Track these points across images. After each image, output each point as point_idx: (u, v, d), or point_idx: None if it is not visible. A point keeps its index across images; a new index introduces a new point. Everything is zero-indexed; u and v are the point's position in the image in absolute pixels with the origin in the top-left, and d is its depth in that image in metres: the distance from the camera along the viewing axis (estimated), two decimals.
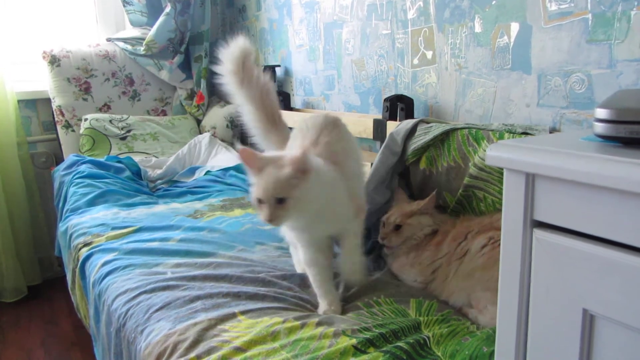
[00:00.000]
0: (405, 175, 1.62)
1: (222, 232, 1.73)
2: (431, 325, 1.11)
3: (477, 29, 1.52)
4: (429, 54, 1.70)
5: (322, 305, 1.19)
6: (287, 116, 2.32)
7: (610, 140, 0.64)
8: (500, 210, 1.05)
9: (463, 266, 1.20)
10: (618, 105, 0.64)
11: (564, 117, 1.33)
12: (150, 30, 2.70)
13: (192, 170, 2.45)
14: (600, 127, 0.64)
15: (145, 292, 1.27)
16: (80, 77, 2.64)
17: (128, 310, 1.22)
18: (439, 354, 1.01)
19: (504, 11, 1.44)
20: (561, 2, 1.29)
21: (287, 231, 1.30)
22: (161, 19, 2.67)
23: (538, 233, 0.68)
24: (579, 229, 0.63)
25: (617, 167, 0.56)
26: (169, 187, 2.32)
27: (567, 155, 0.62)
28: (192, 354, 1.00)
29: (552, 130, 1.34)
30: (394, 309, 1.19)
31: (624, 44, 1.18)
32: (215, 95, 3.02)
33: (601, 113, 0.63)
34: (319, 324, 1.09)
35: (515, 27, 1.41)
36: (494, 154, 0.69)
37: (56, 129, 2.63)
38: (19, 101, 2.59)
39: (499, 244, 1.11)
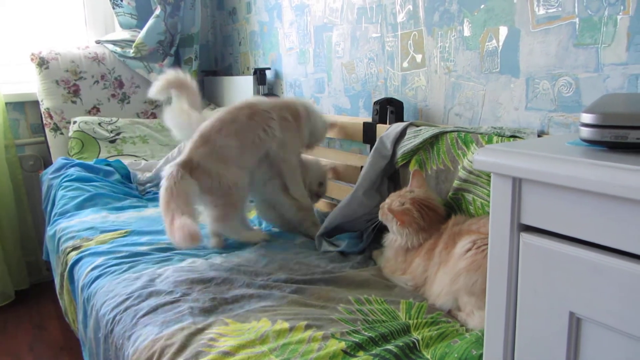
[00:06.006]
0: (394, 178, 1.63)
1: None
2: (421, 327, 1.12)
3: (466, 32, 1.53)
4: (419, 58, 1.71)
5: None
6: None
7: (596, 144, 0.65)
8: (489, 213, 1.05)
9: (448, 269, 1.20)
10: (603, 110, 0.64)
11: (552, 120, 1.34)
12: (139, 32, 2.69)
13: None
14: (586, 132, 0.64)
15: (133, 297, 1.26)
16: (69, 79, 2.62)
17: (115, 316, 1.21)
18: (429, 356, 1.01)
19: (493, 15, 1.44)
20: (549, 6, 1.30)
21: None
22: (151, 21, 2.65)
23: (525, 237, 0.68)
24: (566, 233, 0.64)
25: (602, 172, 0.57)
26: (159, 190, 2.31)
27: (553, 160, 0.62)
28: (180, 359, 1.00)
29: (540, 133, 1.35)
30: (384, 310, 1.19)
31: (610, 48, 1.19)
32: (205, 97, 3.02)
33: (587, 118, 0.64)
34: (307, 327, 1.09)
35: (503, 31, 1.42)
36: (481, 158, 0.70)
37: (44, 132, 2.61)
38: (6, 103, 2.57)
39: (483, 248, 1.13)
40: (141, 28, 2.70)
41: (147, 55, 2.72)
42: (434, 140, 1.49)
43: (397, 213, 1.35)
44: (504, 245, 0.70)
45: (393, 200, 1.40)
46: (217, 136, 1.59)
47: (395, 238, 1.39)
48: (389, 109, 1.73)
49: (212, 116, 1.67)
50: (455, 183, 1.41)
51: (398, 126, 1.60)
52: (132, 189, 2.27)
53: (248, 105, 1.68)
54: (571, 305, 0.64)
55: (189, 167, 1.54)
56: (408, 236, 1.35)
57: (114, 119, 2.63)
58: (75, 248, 1.66)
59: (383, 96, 1.85)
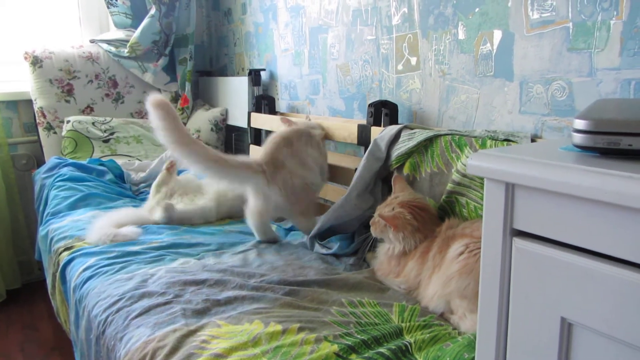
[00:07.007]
0: (388, 181, 1.63)
1: (204, 237, 1.72)
2: (413, 330, 1.12)
3: (461, 36, 1.53)
4: (413, 60, 1.71)
5: None
6: (272, 120, 2.33)
7: (588, 150, 0.65)
8: (482, 217, 1.05)
9: (441, 273, 1.20)
10: (595, 116, 0.64)
11: (545, 124, 1.34)
12: (134, 32, 2.68)
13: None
14: (578, 138, 0.65)
15: (125, 298, 1.25)
16: (62, 78, 2.61)
17: (108, 317, 1.20)
18: (421, 359, 1.01)
19: (487, 19, 1.45)
20: (543, 10, 1.30)
21: None
22: (146, 21, 2.65)
23: (517, 242, 0.68)
24: (558, 238, 0.64)
25: (594, 178, 0.57)
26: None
27: (545, 166, 0.62)
28: None
29: (534, 136, 1.36)
30: (376, 312, 1.19)
31: (603, 53, 1.19)
32: (200, 98, 3.01)
33: (579, 124, 0.64)
34: (300, 329, 1.09)
35: (498, 35, 1.43)
36: (474, 163, 0.70)
37: (37, 131, 2.59)
38: None
39: (475, 252, 1.13)
40: (136, 28, 2.69)
41: (142, 55, 2.71)
42: (428, 143, 1.49)
43: (389, 218, 1.35)
44: (496, 250, 0.70)
45: (381, 211, 1.40)
46: (298, 142, 1.76)
47: (392, 246, 1.38)
48: (383, 111, 1.73)
49: (288, 127, 1.85)
50: (449, 186, 1.41)
51: (392, 129, 1.60)
52: (125, 189, 2.26)
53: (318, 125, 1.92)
54: (563, 310, 0.64)
55: (272, 165, 1.65)
56: (405, 239, 1.35)
57: (108, 118, 2.62)
58: (67, 248, 1.65)
59: (377, 98, 1.86)
